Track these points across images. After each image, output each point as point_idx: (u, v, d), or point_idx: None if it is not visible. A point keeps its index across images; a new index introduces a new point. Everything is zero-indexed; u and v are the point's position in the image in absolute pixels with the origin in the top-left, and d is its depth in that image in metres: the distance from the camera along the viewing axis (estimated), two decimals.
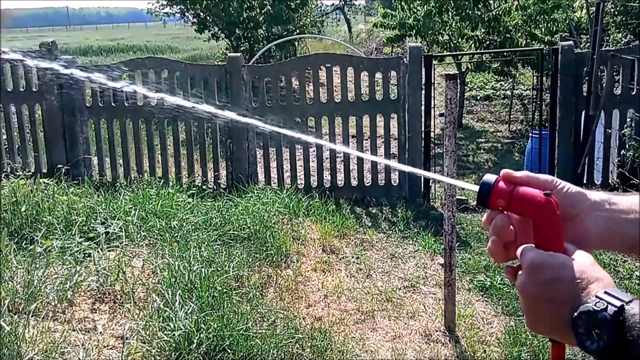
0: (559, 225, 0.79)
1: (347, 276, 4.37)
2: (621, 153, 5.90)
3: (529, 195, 0.80)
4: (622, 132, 5.89)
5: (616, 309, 0.66)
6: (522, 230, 0.82)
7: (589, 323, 0.67)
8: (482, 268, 4.51)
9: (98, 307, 3.34)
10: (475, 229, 5.34)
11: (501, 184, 0.82)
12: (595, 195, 0.84)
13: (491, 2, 10.44)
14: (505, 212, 0.83)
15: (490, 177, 0.83)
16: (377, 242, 5.10)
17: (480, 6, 10.38)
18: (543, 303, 0.75)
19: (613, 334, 0.65)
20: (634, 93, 6.01)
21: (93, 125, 6.56)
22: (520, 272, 0.78)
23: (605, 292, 0.69)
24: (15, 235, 4.13)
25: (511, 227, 0.82)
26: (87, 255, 3.87)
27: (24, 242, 3.99)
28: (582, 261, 0.75)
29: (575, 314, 0.69)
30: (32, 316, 3.02)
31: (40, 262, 3.55)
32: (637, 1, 7.46)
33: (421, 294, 4.16)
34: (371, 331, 3.65)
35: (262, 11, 14.25)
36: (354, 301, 3.98)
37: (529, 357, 3.38)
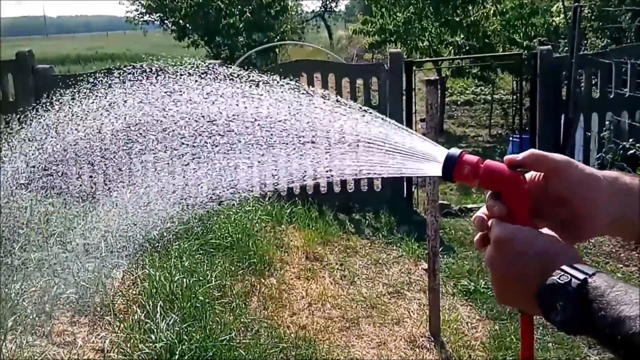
0: (526, 199, 0.79)
1: (331, 283, 4.34)
2: (600, 156, 5.97)
3: (496, 169, 0.80)
4: (602, 134, 5.96)
5: (579, 282, 0.66)
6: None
7: (553, 296, 0.68)
8: (466, 272, 4.51)
9: (77, 320, 3.27)
10: (459, 233, 5.35)
11: (467, 157, 0.81)
12: (610, 177, 0.79)
13: (470, 8, 10.53)
14: (502, 202, 0.80)
15: (454, 151, 0.82)
16: (360, 248, 5.07)
17: (459, 12, 10.47)
18: (510, 277, 0.75)
19: (576, 307, 0.66)
20: (611, 96, 6.09)
21: None
22: (488, 246, 0.78)
23: (570, 266, 0.69)
24: None
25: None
26: (65, 267, 3.79)
27: (0, 255, 3.90)
28: (550, 234, 0.75)
29: (540, 287, 0.69)
30: (9, 331, 2.95)
31: (18, 275, 3.47)
32: (612, 6, 7.58)
33: (406, 300, 4.14)
34: (356, 338, 3.63)
35: (242, 18, 14.22)
36: (339, 308, 3.95)
37: None
